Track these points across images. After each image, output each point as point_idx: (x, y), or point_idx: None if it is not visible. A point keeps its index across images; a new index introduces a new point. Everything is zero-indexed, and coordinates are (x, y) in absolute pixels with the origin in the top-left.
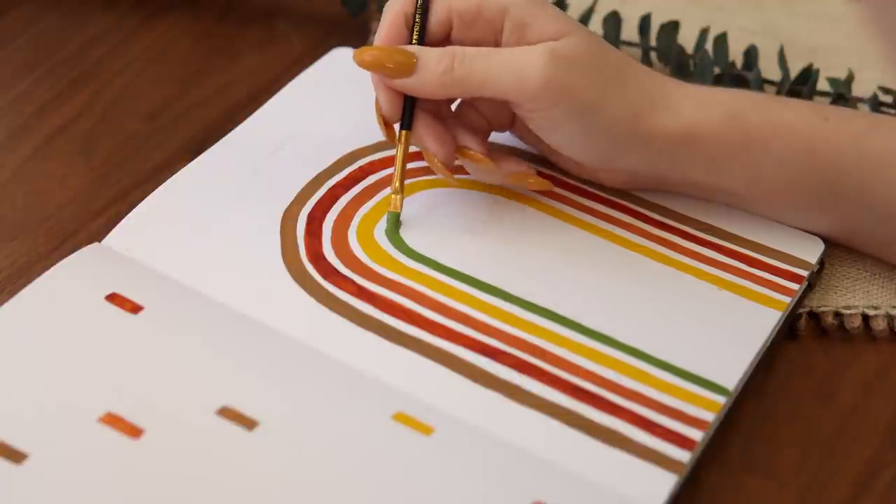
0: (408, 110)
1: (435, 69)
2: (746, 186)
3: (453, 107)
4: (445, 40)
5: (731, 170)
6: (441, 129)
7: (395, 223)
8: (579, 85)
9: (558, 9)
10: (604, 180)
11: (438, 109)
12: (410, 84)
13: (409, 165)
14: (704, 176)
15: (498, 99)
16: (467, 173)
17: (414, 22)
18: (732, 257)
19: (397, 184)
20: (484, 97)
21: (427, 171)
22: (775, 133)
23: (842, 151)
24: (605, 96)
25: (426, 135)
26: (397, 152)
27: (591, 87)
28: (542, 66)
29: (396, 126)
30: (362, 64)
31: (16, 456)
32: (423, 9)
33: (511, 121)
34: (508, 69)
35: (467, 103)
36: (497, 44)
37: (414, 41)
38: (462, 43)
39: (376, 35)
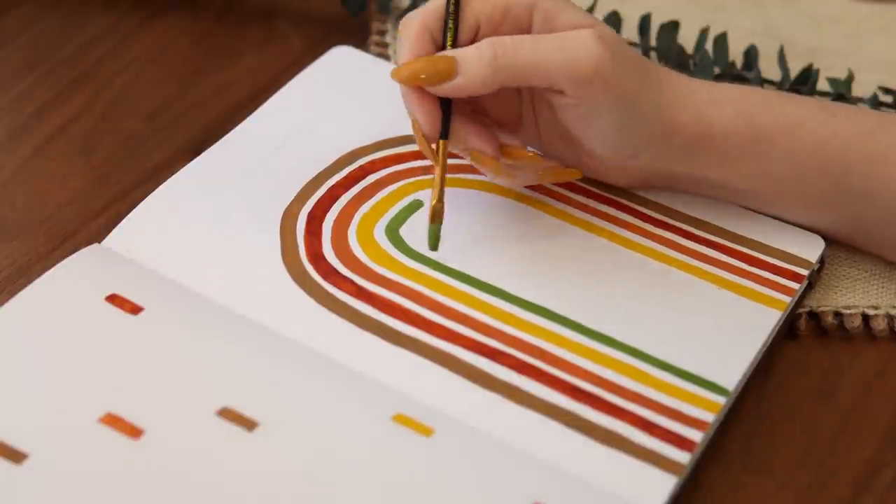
0: (445, 119)
1: (479, 62)
2: (755, 183)
3: None
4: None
5: (740, 166)
6: (480, 126)
7: (435, 238)
8: (623, 72)
9: (577, 6)
10: (614, 178)
11: (470, 111)
12: (457, 84)
13: (410, 165)
14: (715, 172)
15: (541, 86)
16: (466, 173)
17: (446, 28)
18: (732, 256)
19: (436, 200)
20: (493, 96)
21: (428, 171)
22: (784, 130)
23: (850, 149)
24: (640, 87)
25: (469, 134)
26: (438, 164)
27: (631, 77)
28: (594, 48)
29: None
30: (403, 80)
31: (16, 456)
32: (456, 13)
33: (517, 125)
34: (559, 52)
35: (475, 107)
36: None
37: (448, 47)
38: None
39: (400, 52)
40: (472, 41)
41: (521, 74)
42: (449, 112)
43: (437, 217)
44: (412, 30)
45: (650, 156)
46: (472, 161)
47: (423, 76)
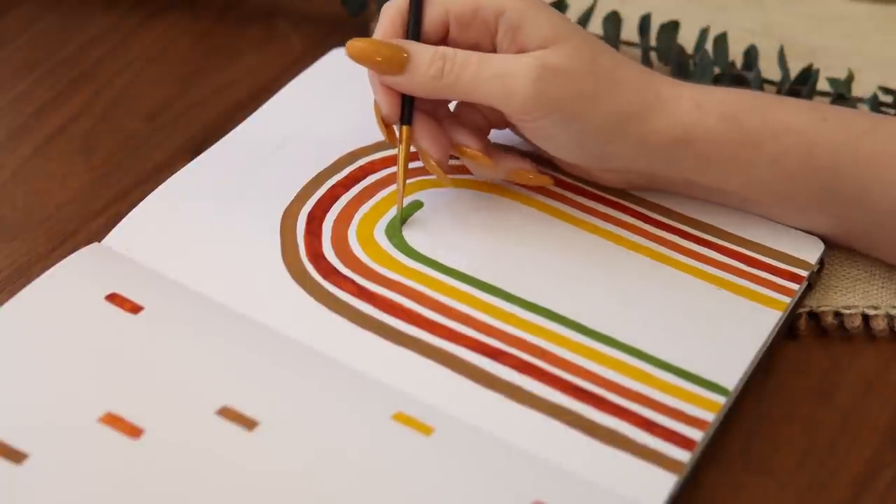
0: (407, 107)
1: (426, 72)
2: (742, 187)
3: (451, 106)
4: (442, 42)
5: (726, 170)
6: (436, 128)
7: (404, 220)
8: (566, 97)
9: (555, 11)
10: (601, 179)
11: (435, 109)
12: (401, 82)
13: (412, 166)
14: (700, 176)
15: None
16: (466, 173)
17: (410, 15)
18: (732, 257)
19: (400, 185)
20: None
21: (424, 171)
22: (772, 135)
23: (840, 153)
24: (594, 104)
25: (421, 134)
26: (399, 150)
27: (578, 97)
28: (529, 80)
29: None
30: (352, 53)
31: (16, 456)
32: (417, 3)
33: (504, 122)
34: (496, 80)
35: (465, 102)
36: (493, 45)
37: (408, 37)
38: (459, 44)
39: (373, 35)
40: (443, 37)
41: (463, 94)
42: (412, 99)
43: (399, 206)
44: (388, 14)
45: (625, 160)
46: (420, 158)
47: (377, 58)
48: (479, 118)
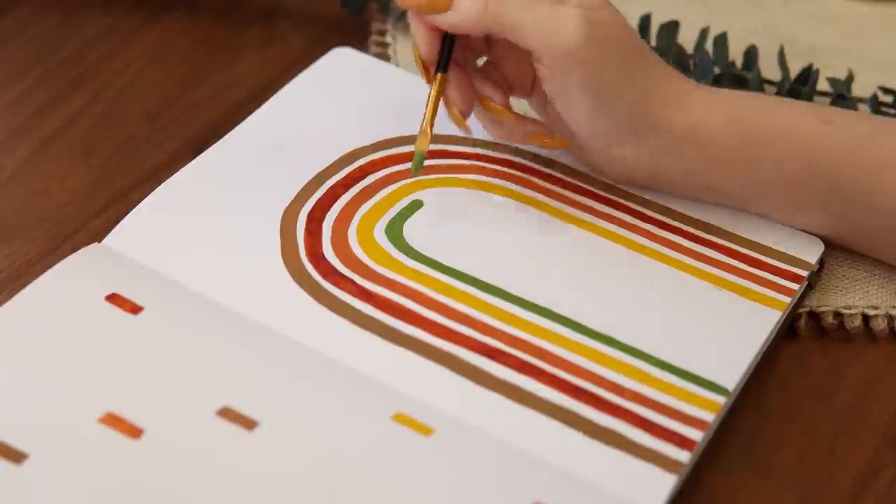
0: (445, 54)
1: (471, 5)
2: (744, 188)
3: (479, 62)
4: None
5: (729, 171)
6: (465, 80)
7: (419, 163)
8: (603, 59)
9: None
10: (603, 169)
11: (465, 62)
12: (447, 19)
13: (410, 165)
14: (702, 175)
15: (523, 48)
16: (467, 172)
17: None
18: (732, 257)
19: (426, 125)
20: (509, 55)
21: (424, 171)
22: (775, 137)
23: (843, 156)
24: (623, 77)
25: (450, 84)
26: (430, 93)
27: (612, 64)
28: (575, 27)
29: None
30: (402, 2)
31: (16, 456)
32: None
33: (531, 88)
34: (542, 21)
35: (492, 62)
36: None
37: None
38: None
39: None
40: None
41: (507, 29)
42: (450, 48)
43: (421, 144)
44: None
45: (632, 151)
46: (446, 107)
47: (421, 1)
48: (501, 81)
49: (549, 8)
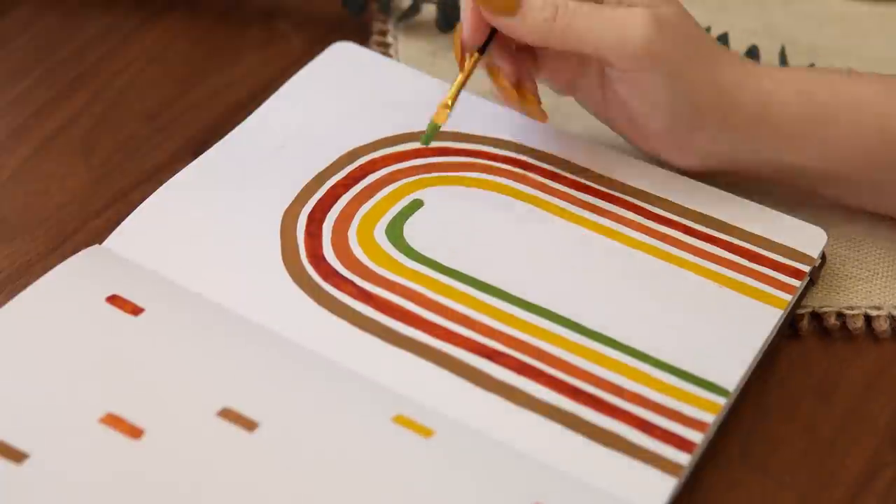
0: (488, 38)
1: (538, 15)
2: (820, 162)
3: None
4: None
5: (802, 147)
6: (512, 56)
7: (432, 134)
8: (674, 52)
9: None
10: (675, 158)
11: (508, 41)
12: (512, 25)
13: (410, 163)
14: (778, 153)
15: (592, 56)
16: (466, 171)
17: None
18: (733, 252)
19: (449, 100)
20: (563, 56)
21: (424, 170)
22: (846, 109)
23: None
24: (694, 66)
25: (500, 54)
26: (464, 69)
27: (683, 56)
28: (644, 28)
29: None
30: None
31: (16, 456)
32: None
33: (570, 82)
34: (611, 27)
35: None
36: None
37: None
38: None
39: None
40: None
41: (574, 42)
42: (493, 33)
43: (440, 117)
44: None
45: (709, 135)
46: (490, 75)
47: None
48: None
49: (613, 11)
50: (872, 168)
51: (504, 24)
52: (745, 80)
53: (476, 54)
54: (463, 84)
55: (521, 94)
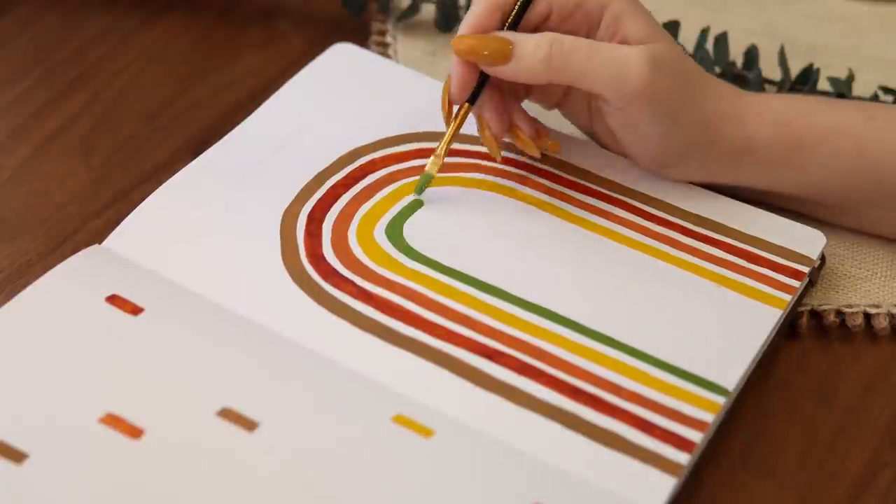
0: (477, 88)
1: (533, 56)
2: (797, 188)
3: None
4: (538, 30)
5: (781, 175)
6: (501, 104)
7: (424, 185)
8: (670, 91)
9: (648, 10)
10: (655, 174)
11: (500, 83)
12: (508, 70)
13: (410, 164)
14: (757, 180)
15: (589, 92)
16: (467, 171)
17: (512, 9)
18: (732, 253)
19: (441, 150)
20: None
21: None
22: (823, 137)
23: (889, 150)
24: (686, 102)
25: (487, 107)
26: (454, 121)
27: (676, 94)
28: (642, 67)
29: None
30: (460, 50)
31: (16, 456)
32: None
33: (558, 102)
34: (609, 66)
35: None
36: (590, 37)
37: (507, 28)
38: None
39: (464, 20)
40: (538, 27)
41: (572, 79)
42: (484, 82)
43: (433, 168)
44: (485, 4)
45: (691, 165)
46: (478, 129)
47: (484, 52)
48: (523, 94)
49: (611, 50)
50: (849, 192)
51: (500, 71)
52: (730, 111)
53: (468, 105)
54: (454, 135)
55: (514, 133)
